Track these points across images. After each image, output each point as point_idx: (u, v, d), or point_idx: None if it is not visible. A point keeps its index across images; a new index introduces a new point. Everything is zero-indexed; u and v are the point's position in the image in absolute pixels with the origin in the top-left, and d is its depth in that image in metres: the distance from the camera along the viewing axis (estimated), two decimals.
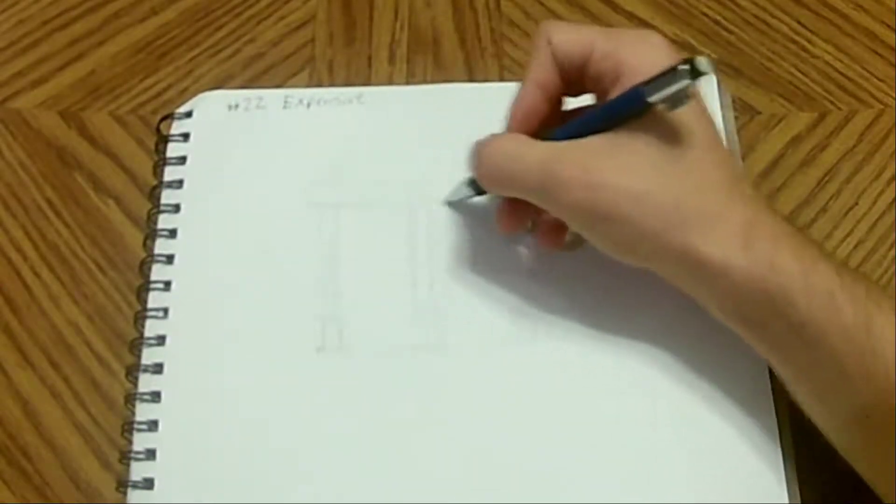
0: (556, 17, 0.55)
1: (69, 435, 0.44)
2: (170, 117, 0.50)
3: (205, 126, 0.50)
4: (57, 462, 0.43)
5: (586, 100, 0.42)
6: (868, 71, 0.53)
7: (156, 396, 0.43)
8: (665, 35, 0.40)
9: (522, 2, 0.56)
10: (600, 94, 0.40)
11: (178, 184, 0.48)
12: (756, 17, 0.55)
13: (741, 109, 0.51)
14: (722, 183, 0.38)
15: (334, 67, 0.53)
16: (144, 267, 0.46)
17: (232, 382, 0.44)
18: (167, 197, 0.48)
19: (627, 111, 0.38)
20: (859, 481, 0.42)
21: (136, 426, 0.43)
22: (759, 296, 0.36)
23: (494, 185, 0.42)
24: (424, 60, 0.53)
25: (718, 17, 0.55)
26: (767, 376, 0.43)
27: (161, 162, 0.49)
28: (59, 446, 0.43)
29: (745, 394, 0.43)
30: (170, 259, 0.46)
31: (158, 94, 0.52)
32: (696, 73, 0.35)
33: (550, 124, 0.41)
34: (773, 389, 0.43)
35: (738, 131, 0.50)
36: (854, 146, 0.51)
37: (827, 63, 0.53)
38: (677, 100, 0.36)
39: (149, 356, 0.44)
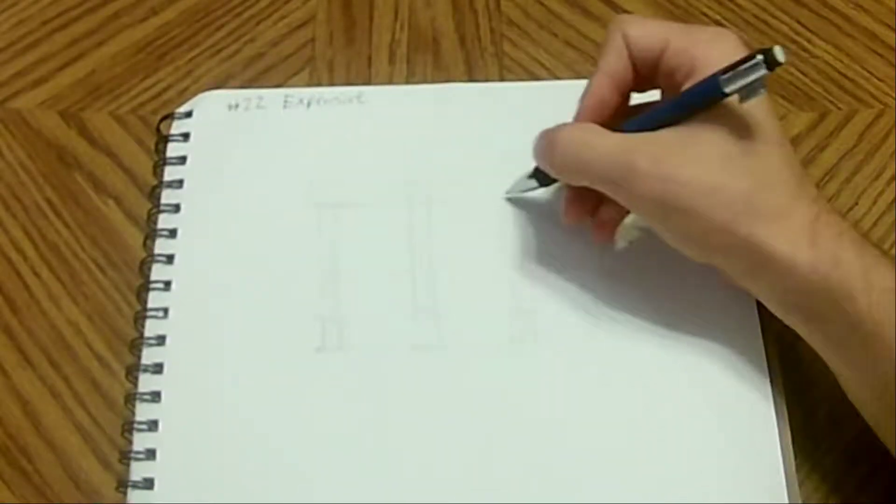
0: (557, 17, 0.55)
1: (69, 435, 0.44)
2: (170, 117, 0.50)
3: (205, 126, 0.50)
4: (57, 462, 0.43)
5: (648, 97, 0.43)
6: (868, 71, 0.53)
7: (156, 396, 0.43)
8: None
9: (522, 2, 0.56)
10: (670, 89, 0.41)
11: (178, 184, 0.48)
12: (756, 17, 0.55)
13: None
14: (789, 179, 0.38)
15: (334, 67, 0.53)
16: (144, 267, 0.46)
17: (232, 382, 0.44)
18: (167, 197, 0.48)
19: (702, 101, 0.38)
20: (860, 481, 0.42)
21: (136, 426, 0.43)
22: (822, 291, 0.37)
23: (568, 173, 0.42)
24: (424, 60, 0.53)
25: (718, 17, 0.55)
26: (768, 377, 0.43)
27: (161, 162, 0.49)
28: (59, 446, 0.43)
29: (746, 394, 0.43)
30: (170, 259, 0.46)
31: (158, 94, 0.52)
32: (772, 64, 0.35)
33: (617, 118, 0.41)
34: (775, 390, 0.43)
35: None
36: (854, 146, 0.51)
37: (827, 63, 0.53)
38: (752, 90, 0.36)
39: (149, 356, 0.44)
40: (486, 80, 0.53)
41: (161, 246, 0.47)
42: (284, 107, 0.50)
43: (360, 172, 0.48)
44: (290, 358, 0.44)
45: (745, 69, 0.36)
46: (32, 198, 0.49)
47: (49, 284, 0.47)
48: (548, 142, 0.42)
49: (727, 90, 0.36)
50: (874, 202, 0.49)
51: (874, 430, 0.40)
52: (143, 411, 0.43)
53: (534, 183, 0.46)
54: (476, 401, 0.43)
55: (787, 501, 0.41)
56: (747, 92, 0.36)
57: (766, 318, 0.44)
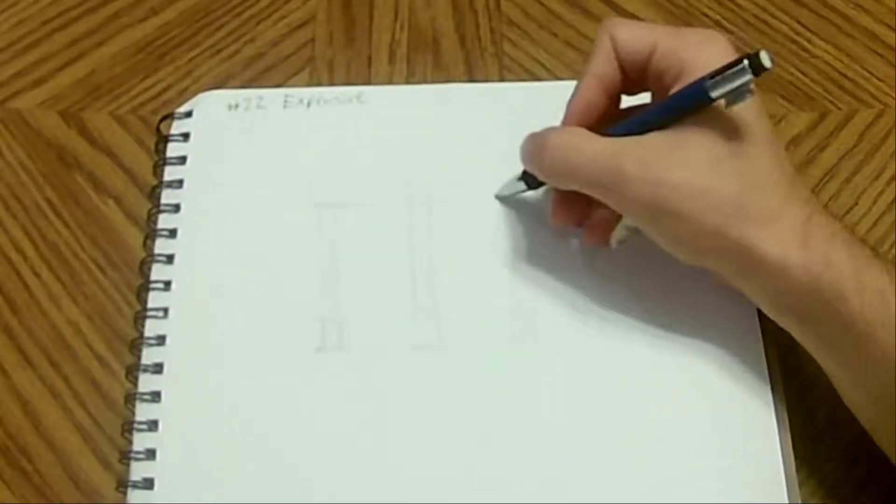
0: (557, 17, 0.55)
1: (69, 435, 0.44)
2: (170, 117, 0.50)
3: (205, 126, 0.50)
4: (57, 462, 0.43)
5: (637, 100, 0.43)
6: (868, 71, 0.53)
7: (156, 396, 0.43)
8: None
9: (522, 2, 0.56)
10: (660, 92, 0.41)
11: (178, 184, 0.48)
12: (756, 17, 0.55)
13: None
14: (780, 180, 0.38)
15: (334, 67, 0.53)
16: (144, 267, 0.46)
17: (232, 382, 0.44)
18: (167, 197, 0.48)
19: (689, 106, 0.38)
20: (860, 481, 0.42)
21: (136, 426, 0.43)
22: (814, 293, 0.37)
23: (556, 177, 0.42)
24: (424, 60, 0.53)
25: (718, 17, 0.55)
26: (768, 378, 0.43)
27: (161, 162, 0.49)
28: (59, 446, 0.43)
29: (745, 395, 0.43)
30: (170, 259, 0.46)
31: (158, 94, 0.52)
32: (758, 69, 0.35)
33: (606, 121, 0.41)
34: (775, 392, 0.43)
35: None
36: (854, 146, 0.51)
37: (827, 63, 0.53)
38: (738, 95, 0.36)
39: (149, 356, 0.44)
40: (486, 80, 0.53)
41: (161, 246, 0.47)
42: (284, 107, 0.50)
43: (360, 172, 0.48)
44: (290, 358, 0.44)
45: (732, 74, 0.36)
46: (32, 198, 0.49)
47: (49, 284, 0.47)
48: (536, 145, 0.42)
49: (713, 95, 0.36)
50: (874, 202, 0.49)
51: (871, 435, 0.40)
52: (143, 411, 0.43)
53: (523, 185, 0.46)
54: (476, 401, 0.43)
55: (786, 502, 0.41)
56: (734, 97, 0.36)
57: (766, 319, 0.44)
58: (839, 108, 0.52)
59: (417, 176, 0.48)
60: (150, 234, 0.47)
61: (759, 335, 0.44)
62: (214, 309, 0.45)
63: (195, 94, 0.51)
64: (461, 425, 0.43)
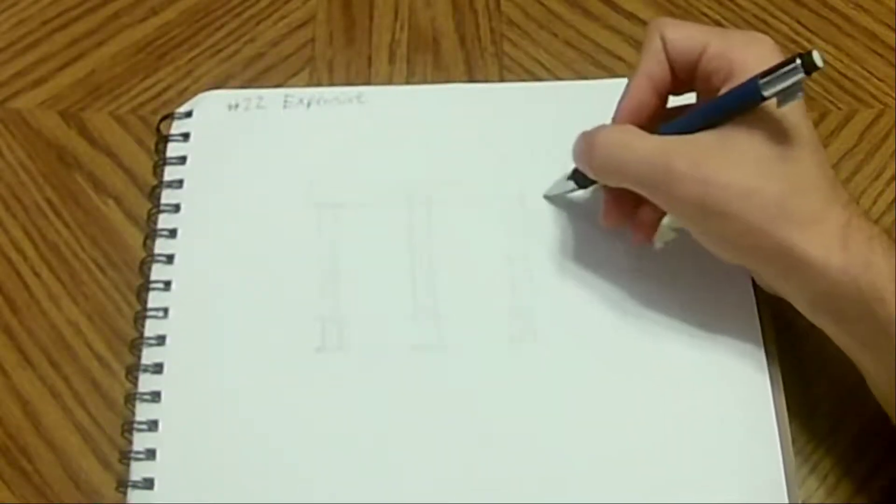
0: (557, 17, 0.55)
1: (69, 435, 0.44)
2: (170, 117, 0.50)
3: (205, 126, 0.50)
4: (57, 462, 0.43)
5: (683, 100, 0.43)
6: (868, 71, 0.53)
7: (156, 396, 0.43)
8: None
9: (522, 2, 0.56)
10: (706, 92, 0.41)
11: (178, 184, 0.48)
12: (756, 17, 0.55)
13: None
14: (823, 184, 0.38)
15: (334, 67, 0.53)
16: (144, 267, 0.46)
17: (232, 382, 0.44)
18: (167, 197, 0.48)
19: (740, 105, 0.38)
20: (860, 481, 0.42)
21: (136, 426, 0.43)
22: (853, 294, 0.37)
23: (606, 174, 0.42)
24: (424, 60, 0.53)
25: (718, 17, 0.55)
26: (768, 377, 0.43)
27: (161, 162, 0.49)
28: (59, 446, 0.43)
29: (746, 394, 0.43)
30: (170, 259, 0.46)
31: (158, 94, 0.52)
32: (810, 68, 0.35)
33: (655, 120, 0.42)
34: (775, 391, 0.43)
35: None
36: (854, 146, 0.51)
37: (827, 63, 0.53)
38: (790, 94, 0.36)
39: (149, 356, 0.44)
40: (486, 80, 0.53)
41: (161, 246, 0.47)
42: (284, 107, 0.50)
43: (360, 172, 0.48)
44: (290, 358, 0.44)
45: (784, 73, 0.36)
46: (32, 198, 0.49)
47: (49, 284, 0.47)
48: (587, 144, 0.42)
49: (766, 94, 0.37)
50: (874, 202, 0.49)
51: None
52: (143, 411, 0.43)
53: (572, 184, 0.46)
54: (476, 400, 0.43)
55: (787, 502, 0.41)
56: (785, 96, 0.37)
57: (766, 318, 0.44)
58: (839, 108, 0.52)
59: (417, 176, 0.48)
60: (150, 234, 0.47)
61: (760, 335, 0.44)
62: (214, 309, 0.45)
63: (195, 94, 0.51)
64: (461, 425, 0.43)
